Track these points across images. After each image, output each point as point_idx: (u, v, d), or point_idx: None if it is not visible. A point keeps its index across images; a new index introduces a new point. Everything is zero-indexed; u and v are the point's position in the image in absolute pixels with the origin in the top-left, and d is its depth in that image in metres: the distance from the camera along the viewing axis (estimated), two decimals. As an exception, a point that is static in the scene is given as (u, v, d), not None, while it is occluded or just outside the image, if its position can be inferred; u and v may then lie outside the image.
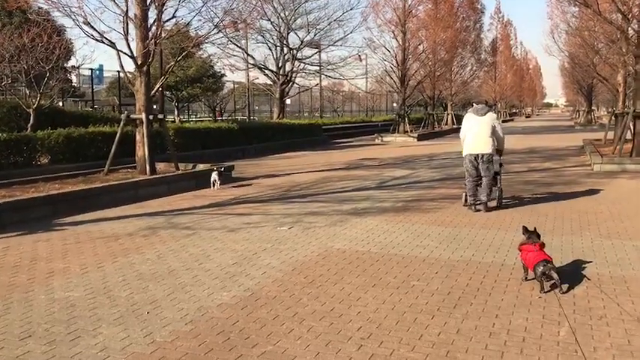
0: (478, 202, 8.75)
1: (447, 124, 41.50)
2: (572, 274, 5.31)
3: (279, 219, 8.16)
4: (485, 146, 8.65)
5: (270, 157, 20.03)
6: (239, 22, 21.30)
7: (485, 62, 46.73)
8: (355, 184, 11.94)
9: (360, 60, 37.88)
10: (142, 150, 11.87)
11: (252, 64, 27.05)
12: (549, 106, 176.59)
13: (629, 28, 16.50)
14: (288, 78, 27.53)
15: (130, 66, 11.82)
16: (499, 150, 9.06)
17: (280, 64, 27.46)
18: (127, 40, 11.51)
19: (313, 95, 41.40)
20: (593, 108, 49.22)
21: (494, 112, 9.45)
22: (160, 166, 12.94)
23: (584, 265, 5.65)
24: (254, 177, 13.59)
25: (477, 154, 8.69)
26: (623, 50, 16.94)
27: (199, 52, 23.13)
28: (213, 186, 11.85)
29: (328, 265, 5.70)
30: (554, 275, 4.78)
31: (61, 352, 3.72)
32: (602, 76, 22.82)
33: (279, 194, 10.74)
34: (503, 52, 65.59)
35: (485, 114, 8.78)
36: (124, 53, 11.60)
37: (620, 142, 15.30)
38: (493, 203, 8.91)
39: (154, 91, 12.13)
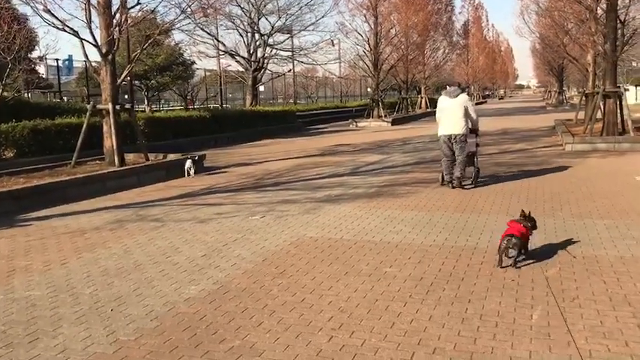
0: (454, 180, 9.06)
1: (420, 107, 41.59)
2: (544, 255, 5.29)
3: (252, 208, 8.01)
4: (458, 127, 8.94)
5: (244, 145, 19.81)
6: (207, 7, 20.94)
7: (457, 45, 46.84)
8: (329, 171, 11.83)
9: (333, 45, 37.61)
10: (109, 141, 11.57)
11: (223, 51, 26.66)
12: (521, 87, 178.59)
13: (598, 8, 16.61)
14: (260, 64, 27.20)
15: (96, 55, 11.47)
16: (474, 130, 9.35)
17: (252, 51, 27.10)
18: (89, 27, 11.19)
19: (287, 82, 41.04)
20: (564, 88, 49.76)
21: (467, 94, 9.66)
22: (130, 156, 12.68)
23: (556, 246, 5.63)
24: (226, 166, 13.40)
25: (451, 135, 8.99)
26: (592, 30, 17.04)
27: (168, 40, 22.67)
28: (188, 174, 11.71)
29: (300, 255, 5.59)
30: (512, 252, 4.98)
31: (18, 355, 3.55)
32: (572, 57, 22.99)
33: (252, 183, 10.58)
34: (475, 34, 65.95)
35: (457, 96, 9.05)
36: (88, 42, 11.26)
37: (591, 121, 15.46)
38: (468, 182, 9.24)
39: (120, 81, 11.80)
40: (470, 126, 9.12)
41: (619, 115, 14.99)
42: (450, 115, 9.01)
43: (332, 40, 36.05)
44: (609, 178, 9.85)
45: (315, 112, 35.17)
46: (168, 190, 9.96)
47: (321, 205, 8.05)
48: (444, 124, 9.09)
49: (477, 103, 61.02)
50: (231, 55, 27.04)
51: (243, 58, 27.09)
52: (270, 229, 6.67)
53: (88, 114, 11.75)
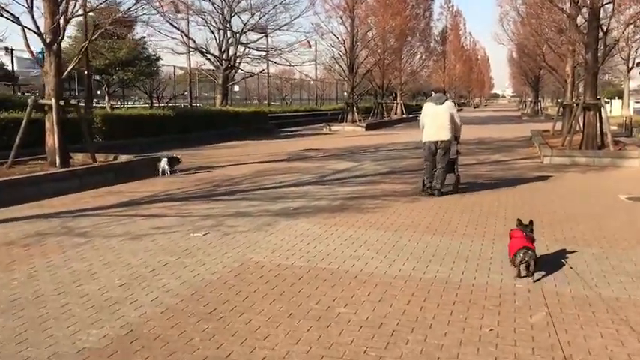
0: (434, 188, 8.99)
1: (396, 113, 40.92)
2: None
3: (197, 222, 7.06)
4: (443, 133, 8.92)
5: (210, 146, 18.79)
6: (177, 2, 19.88)
7: (434, 51, 46.34)
8: (294, 179, 10.93)
9: (310, 46, 36.83)
10: (52, 139, 10.50)
11: (194, 48, 25.53)
12: (497, 96, 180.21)
13: (579, 16, 16.04)
14: (232, 63, 26.15)
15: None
16: (456, 137, 9.37)
17: (223, 49, 26.03)
18: (32, 14, 10.14)
19: (262, 82, 40.01)
20: (539, 99, 49.67)
21: (452, 101, 9.51)
22: (79, 157, 11.62)
23: (542, 280, 4.82)
24: (185, 169, 12.37)
25: (437, 142, 8.94)
26: (573, 39, 16.48)
27: (132, 34, 21.49)
28: (163, 174, 11.33)
29: (239, 287, 4.67)
30: (532, 263, 4.85)
31: None
32: (550, 66, 22.48)
33: (206, 190, 9.62)
34: (452, 41, 65.80)
35: (443, 102, 9.04)
36: (30, 29, 10.18)
37: (570, 134, 14.84)
38: (449, 189, 9.24)
39: (65, 73, 10.75)
40: (453, 132, 9.11)
41: (598, 128, 14.41)
42: (436, 121, 8.95)
43: (308, 42, 35.26)
44: (592, 196, 9.14)
45: (288, 114, 34.24)
46: (110, 197, 8.94)
47: (276, 221, 7.13)
48: (430, 130, 9.02)
49: (452, 111, 60.89)
50: (202, 53, 25.94)
51: (214, 56, 26.01)
52: (211, 251, 5.73)
53: (28, 109, 10.64)
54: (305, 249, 5.83)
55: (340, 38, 29.73)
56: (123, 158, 11.74)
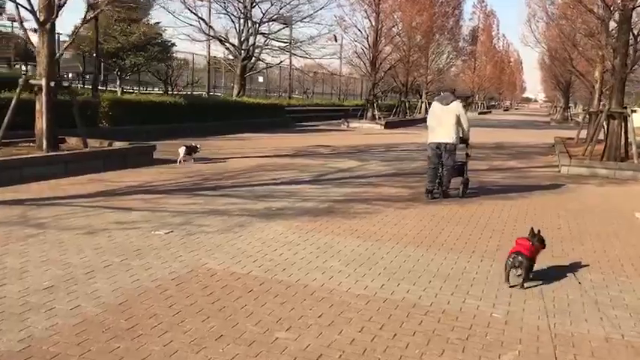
0: (437, 192, 8.67)
1: (420, 112, 40.06)
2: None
3: (165, 218, 6.57)
4: (448, 135, 8.49)
5: (221, 137, 18.29)
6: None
7: (463, 51, 45.20)
8: (289, 176, 10.39)
9: (336, 40, 36.23)
10: (40, 122, 10.14)
11: (212, 36, 25.11)
12: (528, 100, 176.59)
13: (611, 20, 15.13)
14: (251, 53, 25.68)
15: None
16: (465, 140, 8.94)
17: (243, 38, 25.57)
18: (25, -10, 9.74)
19: (284, 75, 39.52)
20: (570, 105, 48.19)
21: (461, 102, 8.89)
22: (73, 141, 11.25)
23: (525, 310, 4.21)
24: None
25: (440, 144, 8.54)
26: (602, 43, 15.57)
27: (147, 17, 21.13)
28: (179, 162, 11.30)
29: (176, 298, 4.16)
30: (519, 270, 4.72)
31: None
32: (578, 72, 21.48)
33: (193, 183, 9.15)
34: (484, 42, 64.37)
35: (449, 103, 8.57)
36: (22, 6, 9.82)
37: (592, 143, 13.99)
38: (455, 192, 8.83)
39: (59, 54, 10.38)
40: (461, 135, 8.69)
41: (623, 138, 13.54)
42: (441, 122, 8.55)
43: (335, 36, 34.65)
44: (605, 213, 8.41)
45: (309, 108, 33.69)
46: (90, 185, 8.52)
47: (251, 222, 6.60)
48: (435, 131, 8.65)
49: (480, 113, 59.66)
50: (221, 41, 25.52)
51: (233, 45, 25.57)
52: (165, 253, 5.23)
53: (18, 89, 10.26)
54: (269, 256, 5.29)
55: (364, 32, 29.09)
56: (117, 145, 11.34)
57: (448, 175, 8.66)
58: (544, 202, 8.97)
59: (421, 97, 42.10)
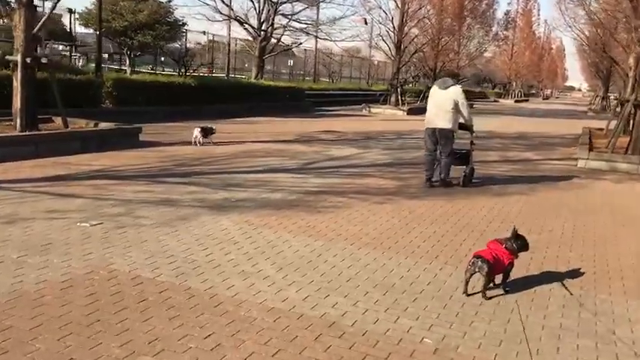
0: (435, 180, 8.34)
1: (449, 99, 38.68)
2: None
3: (104, 208, 6.00)
4: (443, 121, 8.13)
5: (230, 120, 17.60)
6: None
7: (497, 36, 43.30)
8: (274, 163, 9.73)
9: (366, 23, 35.22)
10: (17, 100, 9.71)
11: (229, 17, 24.49)
12: (572, 89, 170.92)
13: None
14: (270, 34, 24.98)
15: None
16: (468, 127, 8.61)
17: (262, 19, 24.87)
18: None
19: (308, 58, 38.73)
20: (609, 94, 45.92)
21: (460, 87, 8.43)
22: (59, 121, 10.83)
23: (465, 338, 3.47)
24: (173, 143, 11.38)
25: (435, 129, 8.23)
26: (635, 25, 14.33)
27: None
28: (196, 144, 11.13)
29: (48, 307, 3.55)
30: (475, 275, 4.12)
31: None
32: (612, 58, 20.06)
33: (163, 168, 8.59)
34: (523, 28, 61.93)
35: (448, 87, 8.17)
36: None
37: (616, 134, 12.87)
38: (455, 181, 8.49)
39: (36, 29, 9.87)
40: (461, 121, 8.34)
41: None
42: (437, 106, 8.21)
43: (365, 19, 33.65)
44: (612, 214, 7.48)
45: (332, 92, 32.85)
46: (50, 168, 8.02)
47: (198, 214, 5.97)
48: (430, 116, 8.35)
49: (516, 101, 57.58)
50: (239, 22, 24.87)
51: (252, 27, 24.88)
52: (76, 249, 4.64)
53: (-5, 66, 9.90)
54: (193, 257, 4.66)
55: (389, 14, 28.00)
56: (102, 126, 10.88)
57: (447, 164, 8.28)
58: (546, 200, 8.08)
59: (452, 83, 40.60)
